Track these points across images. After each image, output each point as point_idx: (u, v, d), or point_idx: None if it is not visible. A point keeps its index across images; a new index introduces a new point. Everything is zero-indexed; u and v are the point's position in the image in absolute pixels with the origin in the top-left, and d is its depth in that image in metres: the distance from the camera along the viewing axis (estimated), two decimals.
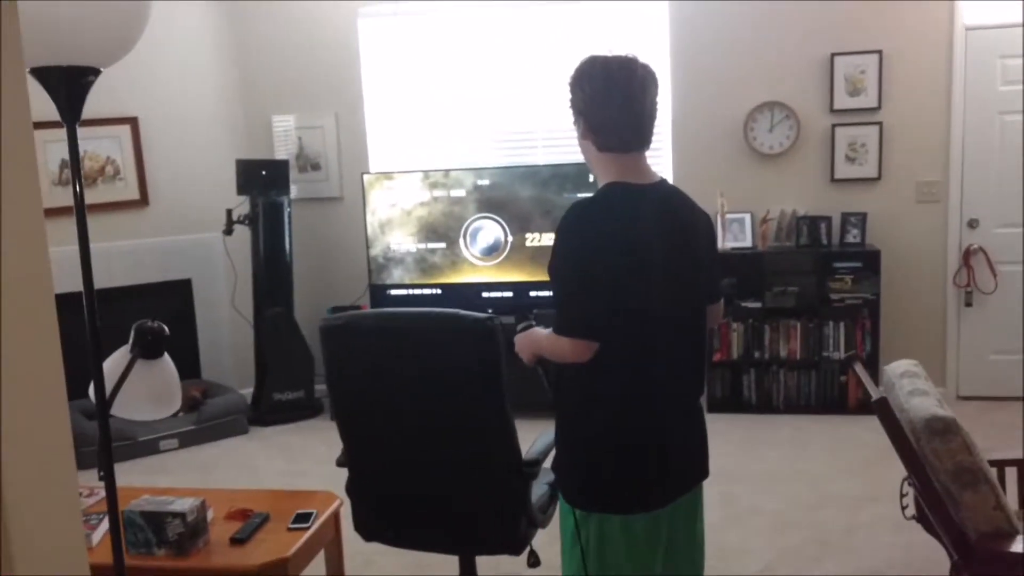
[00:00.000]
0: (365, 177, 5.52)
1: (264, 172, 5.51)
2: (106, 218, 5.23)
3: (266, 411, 5.50)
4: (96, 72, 1.56)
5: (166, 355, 1.93)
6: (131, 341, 1.85)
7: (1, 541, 1.01)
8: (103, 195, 5.29)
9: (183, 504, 2.63)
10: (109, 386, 1.74)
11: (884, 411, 2.53)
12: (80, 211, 1.56)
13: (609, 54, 2.00)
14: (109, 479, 1.65)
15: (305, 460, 4.80)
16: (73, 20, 1.43)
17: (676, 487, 2.08)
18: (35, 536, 1.06)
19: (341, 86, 5.82)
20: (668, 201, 2.06)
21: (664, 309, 1.97)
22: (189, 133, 5.64)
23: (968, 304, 5.22)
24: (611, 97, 1.96)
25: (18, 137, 1.07)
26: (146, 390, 1.82)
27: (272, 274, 5.55)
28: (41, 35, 1.41)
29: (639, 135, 2.01)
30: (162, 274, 5.51)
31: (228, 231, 5.46)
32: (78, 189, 1.56)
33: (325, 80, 5.83)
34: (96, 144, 5.27)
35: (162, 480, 4.51)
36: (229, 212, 5.43)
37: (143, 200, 5.47)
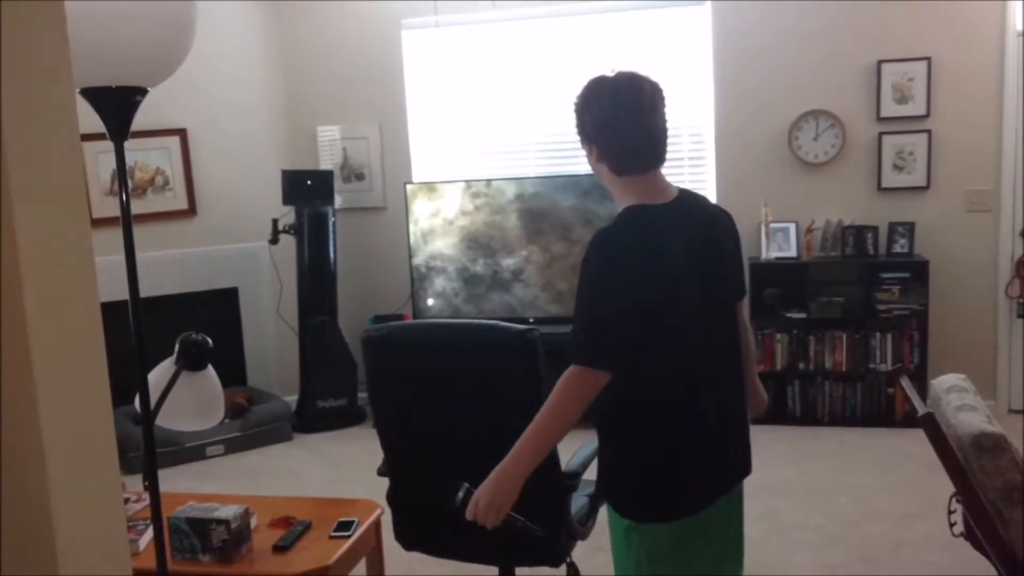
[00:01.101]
0: (408, 187, 5.56)
1: (309, 182, 5.57)
2: (155, 228, 5.34)
3: (310, 418, 5.56)
4: (144, 92, 1.60)
5: (210, 367, 1.97)
6: (175, 353, 1.89)
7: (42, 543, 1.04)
8: (152, 205, 5.41)
9: (227, 511, 2.67)
10: (153, 397, 1.77)
11: (931, 427, 2.49)
12: (127, 225, 1.60)
13: (612, 73, 2.00)
14: (154, 488, 1.68)
15: (348, 468, 4.84)
16: (121, 42, 1.47)
17: (721, 486, 2.10)
18: (80, 539, 1.08)
19: (385, 96, 5.87)
20: (690, 216, 2.04)
21: (697, 319, 1.98)
22: (236, 144, 5.74)
23: (1020, 316, 5.10)
24: (622, 119, 1.95)
25: (68, 156, 1.10)
26: (190, 402, 1.86)
27: (316, 283, 5.61)
28: (90, 57, 1.45)
29: (654, 153, 2.00)
30: (209, 283, 5.61)
31: (274, 240, 5.54)
32: (125, 202, 1.60)
33: (369, 91, 5.90)
34: (146, 155, 5.38)
35: (207, 486, 4.58)
36: (275, 222, 5.50)
37: (191, 210, 5.57)
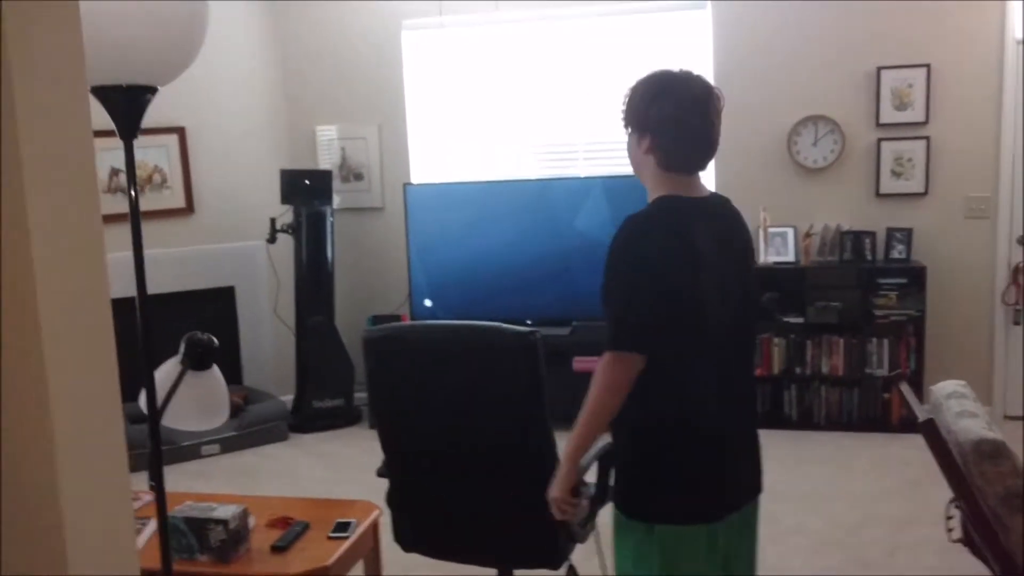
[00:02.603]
0: (407, 188, 5.55)
1: (307, 182, 5.57)
2: (152, 226, 5.31)
3: (306, 418, 5.55)
4: (154, 91, 1.59)
5: (215, 367, 1.96)
6: (181, 352, 1.89)
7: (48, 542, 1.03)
8: (150, 203, 5.39)
9: (225, 511, 2.66)
10: (159, 396, 1.77)
11: (931, 433, 2.49)
12: (135, 224, 1.59)
13: (682, 72, 1.99)
14: (159, 489, 1.67)
15: (344, 468, 4.83)
16: (133, 41, 1.46)
17: (735, 498, 2.09)
18: (90, 538, 1.08)
19: (384, 97, 5.87)
20: (719, 214, 2.08)
21: (719, 319, 1.99)
22: (234, 143, 5.72)
23: (1017, 323, 5.12)
24: (691, 119, 1.96)
25: (80, 154, 1.10)
26: (195, 401, 1.85)
27: (314, 283, 5.60)
28: (102, 55, 1.44)
29: (705, 160, 2.03)
30: (206, 281, 5.59)
31: (271, 239, 5.53)
32: (134, 200, 1.60)
33: (369, 91, 5.89)
34: (144, 153, 5.37)
35: (203, 485, 4.56)
36: (273, 221, 5.49)
37: (189, 208, 5.56)
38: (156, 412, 1.68)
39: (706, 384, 2.00)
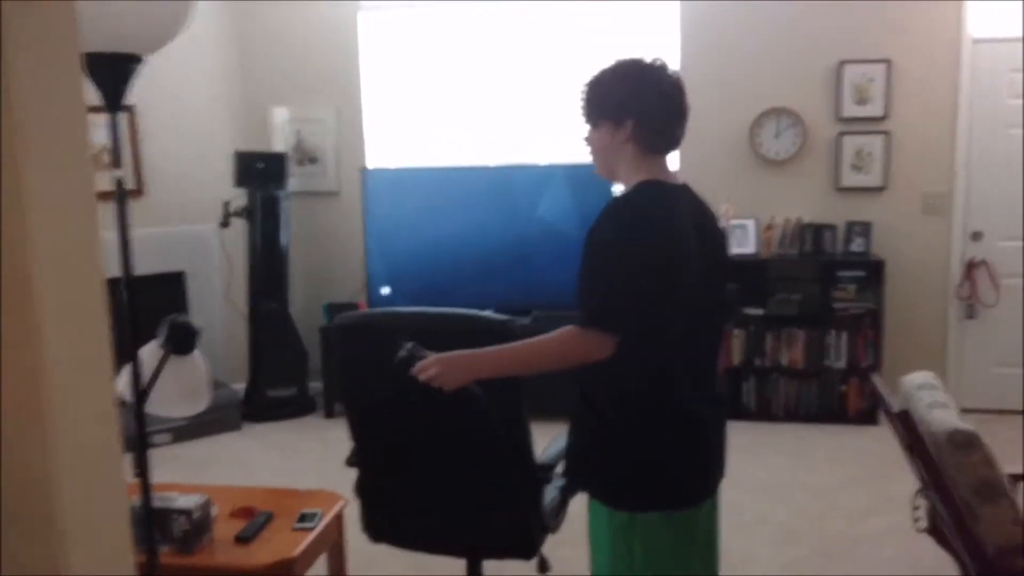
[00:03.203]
0: (365, 172, 5.44)
1: (261, 165, 5.42)
2: (100, 208, 5.12)
3: (259, 407, 5.42)
4: (139, 60, 1.50)
5: (197, 351, 1.87)
6: (163, 336, 1.78)
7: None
8: (97, 184, 5.18)
9: (188, 501, 2.56)
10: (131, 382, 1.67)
11: (907, 424, 2.50)
12: (121, 203, 1.49)
13: (649, 59, 1.99)
14: (144, 478, 1.58)
15: (300, 458, 4.72)
16: (121, 7, 1.36)
17: (713, 482, 2.09)
18: (85, 534, 1.01)
19: (341, 79, 5.74)
20: (694, 200, 2.08)
21: (697, 303, 1.97)
22: (186, 123, 5.54)
23: (970, 316, 5.21)
24: (671, 98, 1.98)
25: (74, 123, 1.01)
26: (178, 386, 1.75)
27: (268, 268, 5.47)
28: (88, 21, 1.34)
29: (683, 135, 2.04)
30: (156, 266, 5.39)
31: (224, 223, 5.38)
32: (120, 180, 1.50)
33: (325, 73, 5.76)
34: (91, 132, 5.16)
35: (156, 475, 4.40)
36: (226, 204, 5.34)
37: (138, 190, 5.36)
38: (141, 397, 1.59)
39: (685, 369, 1.99)
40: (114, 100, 1.50)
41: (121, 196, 1.51)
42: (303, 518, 2.77)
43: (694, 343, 1.99)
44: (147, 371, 1.70)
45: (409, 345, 1.98)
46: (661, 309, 1.89)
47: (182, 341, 1.80)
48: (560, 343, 1.92)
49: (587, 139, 2.05)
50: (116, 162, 1.51)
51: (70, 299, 1.01)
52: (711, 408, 2.08)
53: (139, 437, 1.60)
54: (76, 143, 1.02)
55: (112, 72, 1.47)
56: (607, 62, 2.01)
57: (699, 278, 1.95)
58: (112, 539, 1.00)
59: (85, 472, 1.00)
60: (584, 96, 2.01)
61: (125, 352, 1.65)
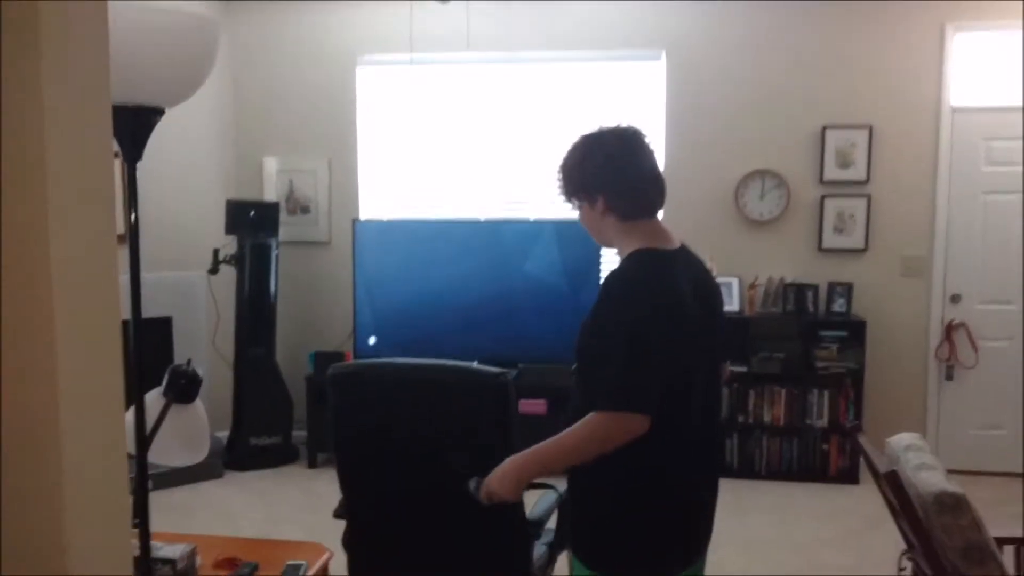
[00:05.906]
0: (356, 223, 5.49)
1: (253, 213, 5.46)
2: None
3: (242, 455, 5.38)
4: (162, 112, 1.54)
5: (198, 400, 1.88)
6: (164, 384, 1.80)
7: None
8: None
9: (173, 550, 2.54)
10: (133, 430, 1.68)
11: (895, 485, 2.53)
12: (134, 247, 1.52)
13: (602, 127, 2.02)
14: (143, 526, 1.58)
15: (283, 507, 4.68)
16: (145, 61, 1.41)
17: (699, 547, 2.08)
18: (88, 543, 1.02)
19: (335, 132, 5.82)
20: (694, 265, 2.07)
21: (698, 371, 1.97)
22: (179, 170, 5.57)
23: (949, 378, 5.28)
24: (632, 161, 1.98)
25: (102, 175, 1.05)
26: (179, 435, 1.76)
27: (255, 316, 5.47)
28: (116, 72, 1.38)
29: (661, 196, 2.04)
30: (143, 311, 5.39)
31: (214, 270, 5.38)
32: (134, 224, 1.53)
33: (320, 125, 5.83)
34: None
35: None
36: (216, 252, 5.36)
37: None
38: (144, 444, 1.60)
39: (687, 444, 1.97)
40: (134, 151, 1.54)
41: (134, 239, 1.53)
42: (288, 570, 2.75)
43: (696, 406, 1.97)
44: (148, 419, 1.71)
45: (475, 480, 2.10)
46: (666, 385, 1.88)
47: (185, 389, 1.81)
48: (603, 429, 1.86)
49: (579, 219, 2.08)
50: (131, 211, 1.54)
51: (88, 337, 1.03)
52: (708, 476, 2.08)
53: (140, 485, 1.60)
54: (102, 186, 1.05)
55: (135, 123, 1.51)
56: (582, 130, 2.03)
57: (702, 346, 1.96)
58: (113, 554, 1.02)
59: (91, 508, 1.02)
60: (558, 181, 2.04)
61: (129, 396, 1.66)
